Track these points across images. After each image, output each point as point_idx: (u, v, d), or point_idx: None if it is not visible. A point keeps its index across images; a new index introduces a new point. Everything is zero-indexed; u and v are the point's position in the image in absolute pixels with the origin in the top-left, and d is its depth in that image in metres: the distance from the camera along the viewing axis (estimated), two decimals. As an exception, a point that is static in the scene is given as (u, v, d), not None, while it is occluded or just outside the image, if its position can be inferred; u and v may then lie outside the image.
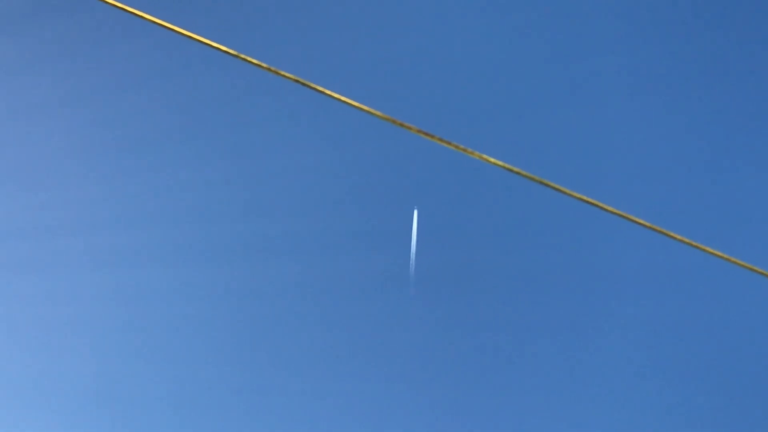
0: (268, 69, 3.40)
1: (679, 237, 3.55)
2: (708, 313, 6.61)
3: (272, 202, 7.23)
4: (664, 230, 3.56)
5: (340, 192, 7.16)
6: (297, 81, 3.40)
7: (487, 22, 7.22)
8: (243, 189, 7.25)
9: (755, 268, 3.57)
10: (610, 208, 3.55)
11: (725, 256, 3.55)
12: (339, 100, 3.45)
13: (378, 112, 3.48)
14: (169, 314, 7.05)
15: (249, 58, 3.47)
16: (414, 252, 6.85)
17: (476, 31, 7.24)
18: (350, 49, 7.28)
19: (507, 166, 3.53)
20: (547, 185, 3.52)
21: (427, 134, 3.51)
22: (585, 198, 3.55)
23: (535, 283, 6.81)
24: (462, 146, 3.51)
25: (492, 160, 3.54)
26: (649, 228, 3.56)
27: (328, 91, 3.42)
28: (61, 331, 7.07)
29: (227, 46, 3.50)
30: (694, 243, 3.56)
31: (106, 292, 7.12)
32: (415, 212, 6.84)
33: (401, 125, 3.49)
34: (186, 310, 7.06)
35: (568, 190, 3.53)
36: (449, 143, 3.50)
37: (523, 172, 3.53)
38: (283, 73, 3.44)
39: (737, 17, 6.94)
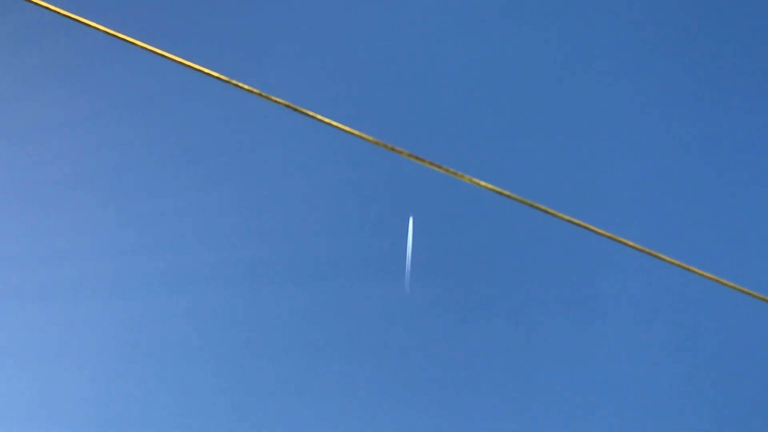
0: (260, 94, 3.41)
1: (672, 260, 3.56)
2: (703, 336, 6.62)
3: (264, 226, 7.23)
4: (658, 254, 3.57)
5: (332, 217, 7.17)
6: (288, 106, 3.42)
7: (477, 46, 7.26)
8: (235, 214, 7.25)
9: (750, 291, 3.58)
10: (605, 233, 3.56)
11: (718, 279, 3.56)
12: (330, 125, 3.47)
13: (369, 137, 3.49)
14: (169, 336, 7.04)
15: (240, 84, 3.49)
16: (408, 273, 6.85)
17: (466, 55, 7.27)
18: (341, 74, 7.30)
19: (498, 189, 3.55)
20: (538, 208, 3.53)
21: (418, 158, 3.53)
22: (578, 222, 3.56)
23: (528, 304, 6.81)
24: (453, 170, 3.52)
25: (483, 183, 3.56)
26: (642, 251, 3.57)
27: (319, 116, 3.44)
28: (72, 358, 7.05)
29: (219, 72, 3.52)
30: (687, 266, 3.57)
31: (112, 317, 7.12)
32: (410, 233, 6.84)
33: (392, 149, 3.51)
34: (186, 334, 7.05)
35: (559, 213, 3.54)
36: (440, 167, 3.52)
37: (514, 196, 3.54)
38: (274, 98, 3.45)
39: (735, 41, 6.99)
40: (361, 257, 7.02)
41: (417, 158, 3.52)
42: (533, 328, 6.79)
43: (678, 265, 3.55)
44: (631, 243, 3.56)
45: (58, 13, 3.49)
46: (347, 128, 3.48)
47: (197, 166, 7.30)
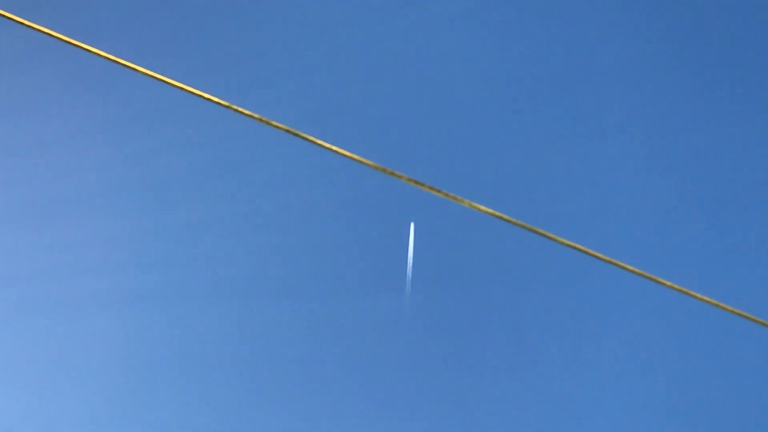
0: (260, 119, 3.44)
1: (671, 284, 3.57)
2: (703, 360, 6.62)
3: (267, 248, 7.26)
4: (656, 277, 3.58)
5: (332, 240, 7.19)
6: (288, 131, 3.44)
7: (475, 70, 7.29)
8: (238, 232, 7.28)
9: (751, 316, 3.59)
10: (605, 257, 3.57)
11: (719, 303, 3.56)
12: (330, 149, 3.49)
13: (369, 161, 3.51)
14: (170, 352, 7.05)
15: (241, 109, 3.51)
16: (408, 297, 6.87)
17: (464, 79, 7.31)
18: (340, 99, 7.34)
19: (498, 213, 3.56)
20: (536, 232, 3.54)
21: (417, 183, 3.55)
22: (577, 246, 3.57)
23: (527, 328, 6.82)
24: (453, 194, 3.54)
25: (482, 207, 3.58)
26: (641, 275, 3.58)
27: (319, 141, 3.46)
28: (73, 374, 7.06)
29: (220, 98, 3.54)
30: (687, 290, 3.57)
31: (108, 334, 7.13)
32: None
33: (392, 174, 3.53)
34: (186, 351, 7.06)
35: (557, 237, 3.55)
36: (439, 191, 3.53)
37: (514, 220, 3.56)
38: (274, 123, 3.48)
39: (739, 64, 7.02)
40: (358, 282, 7.04)
41: (416, 182, 3.54)
42: (533, 345, 6.80)
43: (676, 289, 3.55)
44: (628, 266, 3.57)
45: (77, 45, 3.52)
46: (347, 153, 3.50)
47: (201, 186, 7.34)
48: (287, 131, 3.43)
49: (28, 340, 7.17)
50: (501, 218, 3.53)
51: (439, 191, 3.52)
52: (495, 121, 7.23)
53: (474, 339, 6.88)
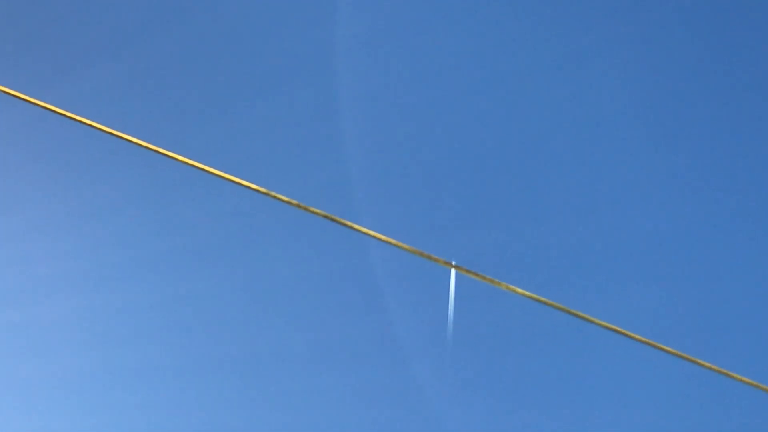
0: (299, 206, 3.49)
1: (678, 353, 3.54)
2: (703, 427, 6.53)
3: (303, 326, 7.29)
4: (662, 345, 3.55)
5: (371, 323, 7.20)
6: (326, 217, 3.49)
7: (504, 148, 7.35)
8: (278, 315, 7.31)
9: (753, 382, 3.55)
10: (633, 335, 3.56)
11: (722, 370, 3.53)
12: (368, 234, 3.53)
13: (407, 246, 3.54)
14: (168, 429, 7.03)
15: (280, 196, 3.56)
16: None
17: (497, 158, 7.37)
18: (376, 185, 7.41)
19: (535, 296, 3.56)
20: (576, 315, 3.54)
21: (455, 266, 3.57)
22: (605, 323, 3.56)
23: (548, 399, 6.77)
24: (489, 277, 3.55)
25: (519, 290, 3.58)
26: (646, 343, 3.56)
27: (356, 226, 3.50)
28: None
29: (258, 185, 3.60)
30: (691, 358, 3.54)
31: (112, 408, 7.13)
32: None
33: (428, 258, 3.55)
34: (190, 423, 7.04)
35: (583, 314, 3.55)
36: (477, 275, 3.55)
37: (544, 299, 3.56)
38: (312, 209, 3.53)
39: (745, 116, 7.03)
40: (398, 354, 7.04)
41: (455, 267, 3.56)
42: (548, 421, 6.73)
43: (686, 358, 3.53)
44: (665, 347, 3.55)
45: (121, 136, 3.61)
46: (384, 237, 3.53)
47: (237, 267, 7.40)
48: (326, 217, 3.47)
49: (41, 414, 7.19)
50: (541, 301, 3.53)
51: (476, 275, 3.54)
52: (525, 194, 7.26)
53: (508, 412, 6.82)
